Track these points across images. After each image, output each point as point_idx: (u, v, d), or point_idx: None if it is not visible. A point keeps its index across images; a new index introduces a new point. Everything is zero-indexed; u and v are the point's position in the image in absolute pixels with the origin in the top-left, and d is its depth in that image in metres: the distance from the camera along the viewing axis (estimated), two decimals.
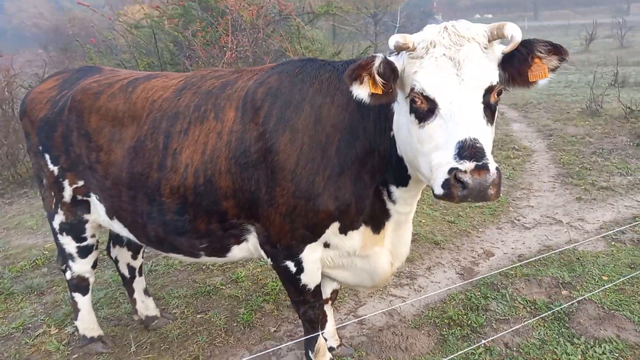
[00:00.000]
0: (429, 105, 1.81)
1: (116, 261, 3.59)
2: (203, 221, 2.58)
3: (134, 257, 3.56)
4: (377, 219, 2.45)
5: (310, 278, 2.59)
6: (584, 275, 3.67)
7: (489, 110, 1.82)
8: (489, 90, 1.79)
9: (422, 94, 1.81)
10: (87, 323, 3.39)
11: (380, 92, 1.91)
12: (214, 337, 3.45)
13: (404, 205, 2.40)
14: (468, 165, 1.64)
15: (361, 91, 1.91)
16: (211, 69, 2.88)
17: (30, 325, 3.79)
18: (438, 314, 3.46)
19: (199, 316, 3.75)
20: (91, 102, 2.76)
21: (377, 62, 1.86)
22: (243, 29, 7.20)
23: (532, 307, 3.36)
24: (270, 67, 2.60)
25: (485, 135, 1.75)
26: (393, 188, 2.32)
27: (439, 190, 1.72)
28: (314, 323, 2.80)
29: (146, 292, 3.67)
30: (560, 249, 4.04)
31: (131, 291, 3.62)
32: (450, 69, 1.78)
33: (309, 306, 2.70)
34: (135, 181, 2.63)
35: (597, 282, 3.57)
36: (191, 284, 4.27)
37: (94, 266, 3.30)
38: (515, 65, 1.86)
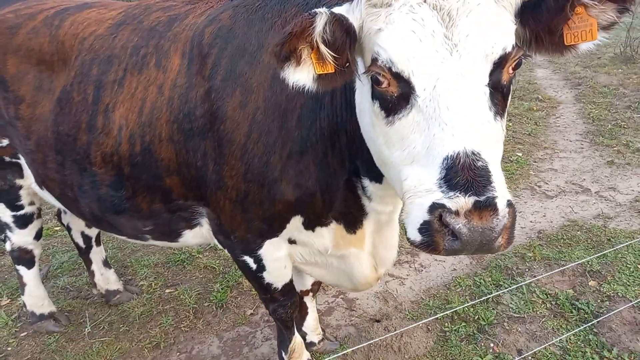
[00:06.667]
0: (401, 88, 1.15)
1: (69, 229, 3.11)
2: (144, 199, 2.04)
3: (89, 225, 3.06)
4: (351, 216, 1.91)
5: (275, 277, 2.11)
6: (616, 262, 3.13)
7: (500, 96, 1.16)
8: (500, 62, 1.12)
9: (389, 68, 1.14)
10: (36, 299, 2.97)
11: (332, 69, 1.23)
12: (181, 320, 3.02)
13: (380, 204, 1.83)
14: (462, 202, 1.03)
15: (301, 75, 1.23)
16: None
17: None
18: (440, 303, 2.98)
19: (167, 291, 3.31)
20: (6, 40, 2.14)
21: (319, 24, 1.16)
22: None
23: (553, 303, 2.85)
24: None
25: (490, 143, 1.11)
26: (366, 182, 1.74)
27: (415, 236, 1.10)
28: (287, 322, 2.37)
29: (106, 263, 3.21)
30: (587, 226, 3.47)
31: (89, 263, 3.17)
32: (435, 26, 1.10)
33: (278, 304, 2.26)
34: (62, 144, 2.07)
35: (633, 272, 3.02)
36: (165, 250, 3.80)
37: (38, 237, 2.82)
38: (544, 18, 1.18)
